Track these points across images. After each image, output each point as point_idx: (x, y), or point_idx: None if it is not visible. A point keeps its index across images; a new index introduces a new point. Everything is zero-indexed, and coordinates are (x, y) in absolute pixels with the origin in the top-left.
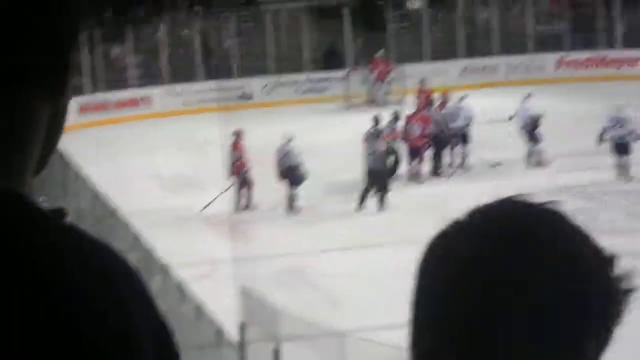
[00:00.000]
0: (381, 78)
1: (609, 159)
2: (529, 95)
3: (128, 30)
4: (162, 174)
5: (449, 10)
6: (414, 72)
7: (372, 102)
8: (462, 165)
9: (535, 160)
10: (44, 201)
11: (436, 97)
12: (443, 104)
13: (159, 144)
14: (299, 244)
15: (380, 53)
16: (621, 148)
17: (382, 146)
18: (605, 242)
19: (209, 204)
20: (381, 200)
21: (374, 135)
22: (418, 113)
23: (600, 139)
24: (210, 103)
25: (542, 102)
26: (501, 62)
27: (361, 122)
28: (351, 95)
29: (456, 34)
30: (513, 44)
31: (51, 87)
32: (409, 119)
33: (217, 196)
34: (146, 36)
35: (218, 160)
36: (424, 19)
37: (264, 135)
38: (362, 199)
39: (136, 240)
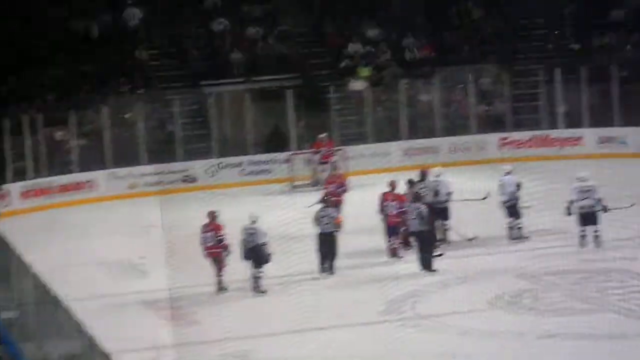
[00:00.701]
0: (325, 159)
1: (552, 237)
2: (510, 171)
3: (71, 113)
4: (106, 258)
5: (392, 92)
6: (357, 153)
7: (316, 183)
8: (444, 239)
9: (516, 234)
10: None
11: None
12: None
13: (103, 228)
14: (245, 327)
15: (323, 135)
16: (589, 218)
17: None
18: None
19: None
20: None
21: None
22: (393, 191)
23: (569, 211)
24: (154, 186)
25: (485, 182)
26: (443, 142)
27: (306, 203)
28: (295, 176)
29: (399, 115)
30: (455, 125)
31: None
32: (385, 196)
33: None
34: (89, 119)
35: (161, 244)
36: (366, 101)
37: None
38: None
39: (79, 327)
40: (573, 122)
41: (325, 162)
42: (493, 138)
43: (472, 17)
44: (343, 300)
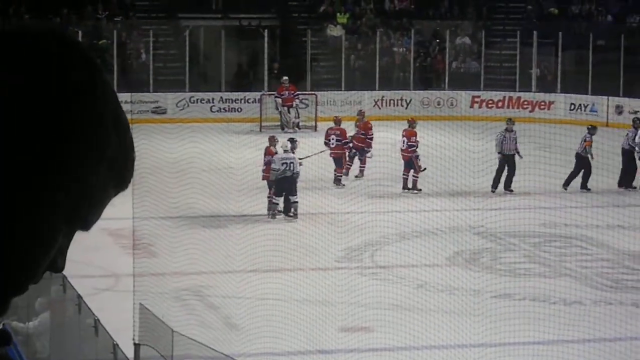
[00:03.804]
0: (287, 103)
1: (516, 199)
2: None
3: None
4: None
5: (368, 41)
6: (328, 100)
7: (285, 125)
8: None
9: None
10: None
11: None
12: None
13: None
14: (203, 262)
15: (285, 78)
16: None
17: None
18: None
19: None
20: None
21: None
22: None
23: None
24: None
25: (455, 138)
26: (415, 95)
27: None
28: (264, 117)
29: (374, 65)
30: (429, 80)
31: None
32: (328, 131)
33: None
34: None
35: None
36: (342, 47)
37: (177, 150)
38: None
39: None
40: (546, 86)
41: (289, 105)
42: (465, 95)
43: None
44: (302, 244)
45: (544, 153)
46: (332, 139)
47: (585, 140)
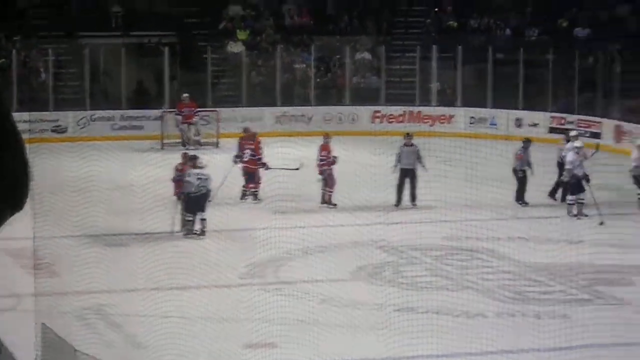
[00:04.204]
0: (187, 120)
1: (418, 212)
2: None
3: None
4: None
5: (268, 57)
6: (230, 116)
7: (186, 143)
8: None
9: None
10: None
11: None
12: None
13: None
14: (106, 281)
15: (185, 95)
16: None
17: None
18: (408, 296)
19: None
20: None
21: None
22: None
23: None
24: (24, 134)
25: (356, 153)
26: (317, 111)
27: (175, 161)
28: (166, 134)
29: (274, 81)
30: (330, 95)
31: None
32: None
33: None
34: None
35: (29, 193)
36: (243, 64)
37: (78, 168)
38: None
39: None
40: (446, 100)
41: (189, 123)
42: (366, 111)
43: None
44: (206, 261)
45: (445, 167)
46: (247, 153)
47: (517, 155)
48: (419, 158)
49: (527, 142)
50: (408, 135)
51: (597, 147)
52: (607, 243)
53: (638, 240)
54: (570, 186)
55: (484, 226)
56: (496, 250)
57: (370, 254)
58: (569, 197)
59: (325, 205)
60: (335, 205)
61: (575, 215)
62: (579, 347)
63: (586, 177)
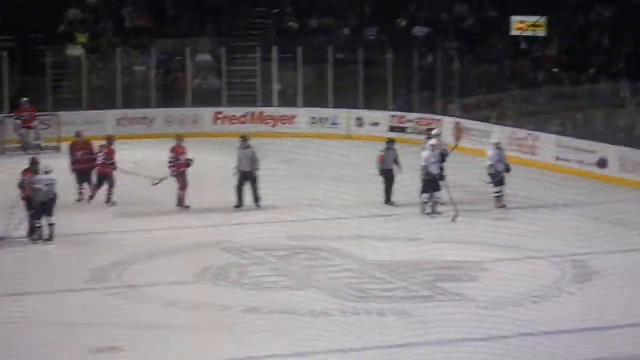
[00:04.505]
0: (27, 124)
1: (262, 213)
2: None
3: None
4: None
5: (108, 60)
6: (71, 120)
7: (26, 148)
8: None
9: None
10: None
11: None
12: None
13: None
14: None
15: (24, 100)
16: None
17: None
18: (253, 297)
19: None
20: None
21: None
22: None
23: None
24: None
25: (199, 155)
26: (158, 114)
27: (17, 167)
28: (6, 140)
29: (114, 84)
30: (171, 97)
31: None
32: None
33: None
34: None
35: None
36: (83, 67)
37: None
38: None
39: None
40: (288, 101)
41: (29, 127)
42: (208, 112)
43: None
44: (50, 266)
45: (287, 167)
46: (101, 157)
47: (380, 156)
48: (255, 160)
49: (390, 142)
50: (243, 138)
51: (455, 146)
52: (453, 240)
53: (484, 238)
54: (424, 184)
55: (328, 225)
56: (340, 249)
57: (215, 255)
58: (423, 195)
59: (179, 207)
60: (188, 207)
61: (428, 214)
62: (423, 344)
63: (442, 176)
